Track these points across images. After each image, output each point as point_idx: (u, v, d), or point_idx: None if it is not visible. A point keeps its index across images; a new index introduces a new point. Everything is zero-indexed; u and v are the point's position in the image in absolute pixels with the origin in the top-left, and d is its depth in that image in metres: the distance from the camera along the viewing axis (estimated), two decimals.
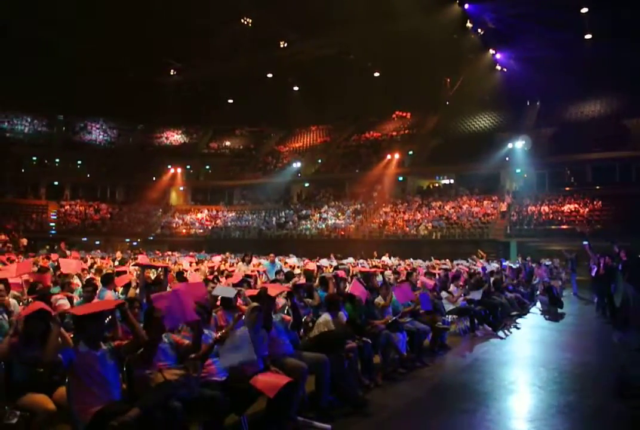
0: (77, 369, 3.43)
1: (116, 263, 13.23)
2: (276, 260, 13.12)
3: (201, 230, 38.72)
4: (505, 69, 35.19)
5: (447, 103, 38.36)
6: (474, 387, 5.87)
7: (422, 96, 36.32)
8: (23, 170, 39.55)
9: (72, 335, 3.95)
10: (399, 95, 37.33)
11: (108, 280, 7.01)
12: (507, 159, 31.13)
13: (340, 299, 6.04)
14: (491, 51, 34.14)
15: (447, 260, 18.41)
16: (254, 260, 15.45)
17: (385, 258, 19.54)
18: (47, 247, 29.18)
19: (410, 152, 36.45)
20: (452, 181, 35.97)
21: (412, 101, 38.49)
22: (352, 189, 37.96)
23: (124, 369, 3.85)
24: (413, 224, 30.16)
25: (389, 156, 35.83)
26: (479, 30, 31.66)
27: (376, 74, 38.05)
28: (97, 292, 6.42)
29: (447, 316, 8.93)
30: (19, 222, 34.87)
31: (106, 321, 3.93)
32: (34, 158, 40.93)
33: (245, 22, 33.74)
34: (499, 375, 6.53)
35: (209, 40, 33.71)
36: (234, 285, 6.54)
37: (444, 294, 9.41)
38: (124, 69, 37.22)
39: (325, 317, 5.71)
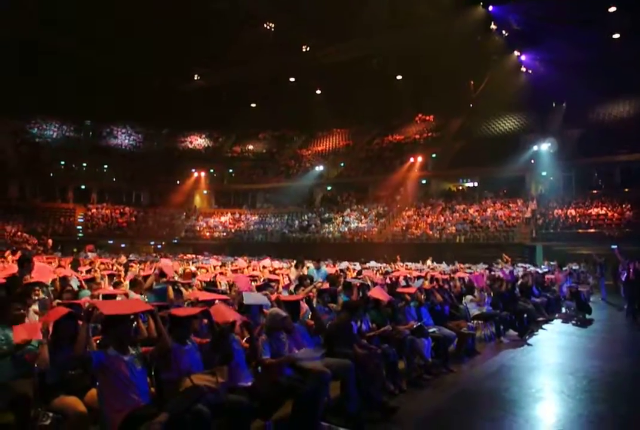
0: (106, 373, 3.49)
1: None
2: (322, 265, 11.39)
3: (224, 234, 39.04)
4: (530, 71, 34.72)
5: (471, 105, 37.98)
6: (500, 395, 5.80)
7: (446, 99, 36.03)
8: (51, 175, 40.39)
9: (97, 340, 4.04)
10: (422, 98, 37.19)
11: (135, 284, 7.08)
12: (532, 161, 30.69)
13: (361, 305, 6.02)
14: (516, 53, 33.74)
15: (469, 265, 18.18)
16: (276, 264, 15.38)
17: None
18: (75, 249, 29.77)
19: (434, 155, 36.17)
20: (476, 184, 35.62)
21: (435, 104, 38.22)
22: (375, 192, 37.86)
23: (152, 373, 3.91)
24: (436, 228, 29.93)
25: (412, 159, 35.63)
26: (504, 31, 31.32)
27: (399, 77, 37.91)
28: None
29: (472, 322, 8.83)
30: (48, 225, 35.64)
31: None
32: (62, 162, 41.76)
33: (268, 27, 33.98)
34: (525, 382, 6.43)
35: (232, 45, 34.05)
36: (258, 289, 6.56)
37: (468, 297, 9.34)
38: (149, 75, 37.86)
39: None
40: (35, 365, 3.95)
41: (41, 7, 29.84)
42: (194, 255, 28.47)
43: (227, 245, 36.35)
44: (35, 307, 5.81)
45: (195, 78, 42.49)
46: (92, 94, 36.53)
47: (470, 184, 36.22)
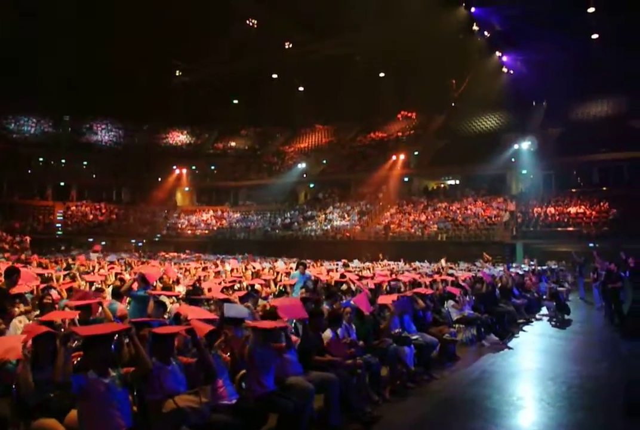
0: (87, 397, 3.43)
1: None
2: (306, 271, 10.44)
3: (206, 231, 38.81)
4: (511, 71, 35.08)
5: (453, 104, 38.24)
6: (482, 403, 5.86)
7: (428, 97, 36.26)
8: (30, 171, 39.73)
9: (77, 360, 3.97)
10: (404, 96, 37.36)
11: (118, 292, 6.98)
12: (513, 160, 31.04)
13: (343, 315, 6.03)
14: (497, 53, 34.09)
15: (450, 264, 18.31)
16: (260, 265, 15.22)
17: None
18: (63, 248, 29.42)
19: (416, 153, 36.40)
20: (457, 182, 35.92)
21: (417, 102, 38.49)
22: (357, 189, 37.96)
23: (135, 393, 3.87)
24: (419, 226, 30.13)
25: (394, 157, 35.79)
26: (485, 32, 31.61)
27: (381, 75, 37.98)
28: (106, 305, 6.39)
29: (454, 325, 8.90)
30: (26, 223, 35.07)
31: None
32: (41, 159, 41.18)
33: (251, 24, 33.76)
34: (507, 389, 6.51)
35: (214, 41, 33.80)
36: (240, 299, 6.51)
37: (450, 302, 9.40)
38: (130, 70, 37.32)
39: (327, 334, 5.70)
40: (13, 386, 3.88)
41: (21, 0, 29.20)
42: (175, 254, 28.33)
43: (209, 243, 36.20)
44: (22, 318, 5.69)
45: (177, 74, 42.07)
46: (71, 89, 35.95)
47: (452, 182, 36.50)
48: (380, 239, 30.30)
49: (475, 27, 30.91)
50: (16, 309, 5.91)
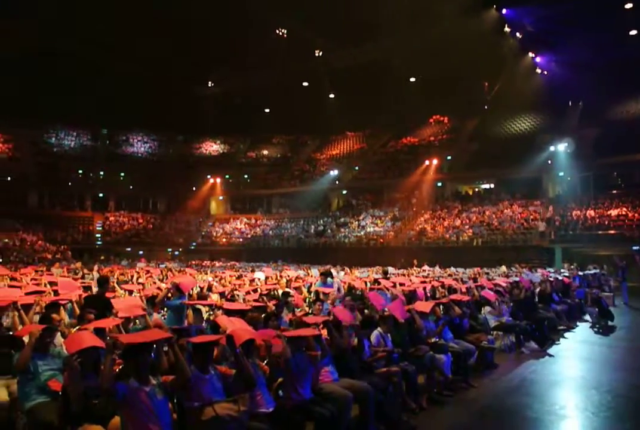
0: (129, 405, 3.51)
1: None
2: (328, 278, 10.10)
3: (241, 239, 39.21)
4: (545, 72, 34.41)
5: (486, 107, 37.72)
6: (522, 413, 5.72)
7: (460, 100, 35.89)
8: (70, 184, 41.02)
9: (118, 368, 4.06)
10: (436, 100, 37.04)
11: (153, 302, 7.13)
12: (549, 162, 30.39)
13: (377, 320, 6.01)
14: (530, 54, 33.54)
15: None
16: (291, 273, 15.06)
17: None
18: (102, 257, 30.20)
19: (449, 157, 36.01)
20: (492, 186, 35.35)
21: (449, 106, 38.10)
22: (390, 195, 37.79)
23: (174, 400, 3.94)
24: (453, 231, 29.74)
25: (427, 162, 35.51)
26: (518, 34, 31.17)
27: (412, 79, 37.81)
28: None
29: (492, 332, 8.74)
30: (67, 233, 36.14)
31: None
32: (80, 171, 42.41)
33: (281, 33, 34.16)
34: (548, 398, 6.34)
35: (245, 51, 34.33)
36: (276, 306, 6.56)
37: (487, 308, 9.24)
38: (164, 82, 38.22)
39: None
40: (60, 392, 4.02)
41: (60, 16, 30.17)
42: (208, 262, 28.77)
43: (243, 251, 36.53)
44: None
45: (209, 85, 42.81)
46: (108, 102, 37.00)
47: (486, 186, 35.96)
48: (414, 245, 30.03)
49: (507, 29, 30.51)
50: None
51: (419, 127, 42.14)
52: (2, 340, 5.13)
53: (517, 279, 12.03)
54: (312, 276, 13.34)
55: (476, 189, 36.11)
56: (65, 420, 3.91)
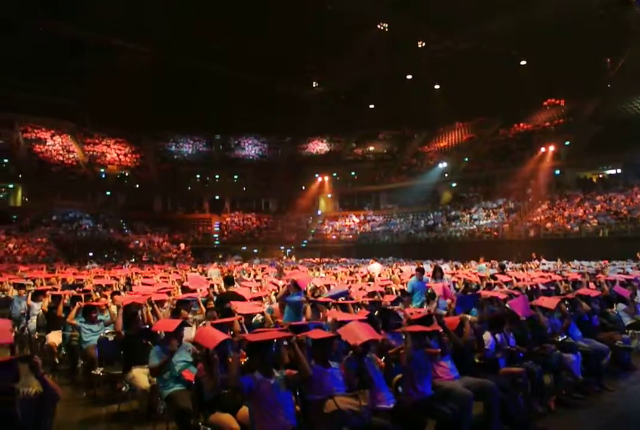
0: (255, 396, 3.70)
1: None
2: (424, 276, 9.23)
3: (350, 236, 39.57)
4: None
5: (609, 85, 34.58)
6: None
7: (578, 80, 33.22)
8: (189, 188, 44.04)
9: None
10: (550, 83, 34.66)
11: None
12: None
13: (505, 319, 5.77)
14: None
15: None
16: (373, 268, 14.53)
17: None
18: (220, 256, 32.15)
19: (567, 143, 33.54)
20: (619, 171, 32.41)
21: (565, 87, 35.42)
22: (503, 186, 36.01)
23: (297, 393, 4.08)
24: (575, 221, 27.73)
25: (542, 149, 33.42)
26: None
27: (523, 62, 35.68)
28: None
29: (627, 331, 8.02)
30: (188, 234, 38.85)
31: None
32: (198, 176, 45.32)
33: (382, 27, 33.84)
34: None
35: (347, 48, 34.45)
36: (392, 302, 6.54)
37: (621, 306, 8.50)
38: (270, 85, 39.57)
39: (486, 337, 5.48)
40: (193, 382, 4.33)
41: (175, 30, 32.26)
42: (319, 259, 29.43)
43: (354, 247, 36.82)
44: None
45: (314, 85, 43.56)
46: (221, 109, 39.04)
47: (611, 171, 33.06)
48: (531, 237, 28.42)
49: None
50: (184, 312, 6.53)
51: (532, 113, 39.69)
52: (142, 333, 5.65)
53: None
54: (402, 272, 12.93)
55: (600, 175, 33.34)
56: (199, 408, 4.22)
